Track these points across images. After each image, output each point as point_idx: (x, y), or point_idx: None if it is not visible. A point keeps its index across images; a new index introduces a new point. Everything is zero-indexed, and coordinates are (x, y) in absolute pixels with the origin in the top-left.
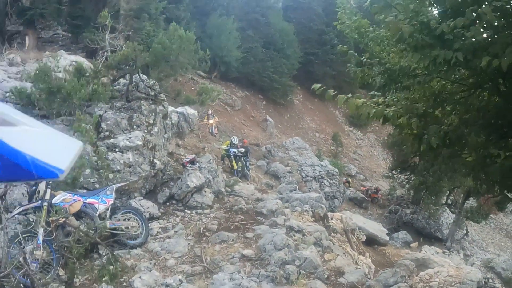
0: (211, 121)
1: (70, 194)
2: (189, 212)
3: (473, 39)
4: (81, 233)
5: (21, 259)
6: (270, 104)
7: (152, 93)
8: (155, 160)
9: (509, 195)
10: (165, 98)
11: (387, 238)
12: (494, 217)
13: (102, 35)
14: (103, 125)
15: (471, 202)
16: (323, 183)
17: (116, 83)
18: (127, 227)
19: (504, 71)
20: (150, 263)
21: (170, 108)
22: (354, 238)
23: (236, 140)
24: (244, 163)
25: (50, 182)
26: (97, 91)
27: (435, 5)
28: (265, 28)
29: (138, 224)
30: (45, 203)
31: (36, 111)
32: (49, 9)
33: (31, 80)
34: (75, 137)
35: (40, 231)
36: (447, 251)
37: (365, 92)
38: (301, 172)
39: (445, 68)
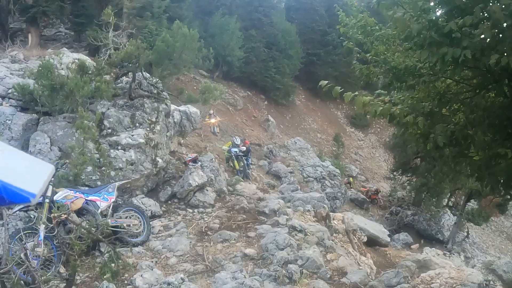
0: (213, 121)
1: (72, 191)
2: (191, 210)
3: (482, 37)
4: (83, 230)
5: (22, 255)
6: (272, 104)
7: (155, 91)
8: (157, 158)
9: None
10: (168, 97)
11: (388, 239)
12: (495, 219)
13: (105, 33)
14: (105, 122)
15: (473, 204)
16: (324, 184)
17: (119, 80)
18: (128, 225)
19: None
20: (152, 261)
21: (173, 107)
22: (355, 238)
23: (238, 141)
24: (246, 162)
25: (52, 179)
26: (100, 89)
27: (441, 5)
28: (268, 28)
29: (140, 222)
30: (47, 200)
31: (39, 107)
32: (52, 7)
33: (33, 76)
34: (77, 134)
35: (41, 228)
36: (448, 253)
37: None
38: (303, 172)
39: (452, 66)
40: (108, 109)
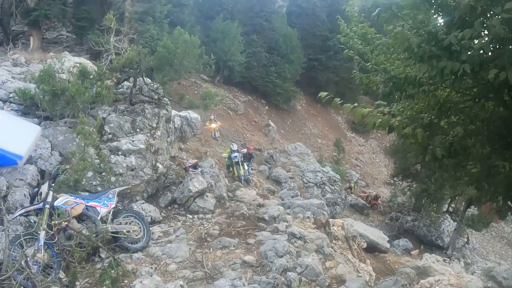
0: (213, 126)
1: (72, 197)
2: (190, 216)
3: (481, 51)
4: (83, 237)
5: (23, 262)
6: (273, 109)
7: (156, 97)
8: (158, 164)
9: None
10: (169, 102)
11: (388, 245)
12: (495, 225)
13: (106, 38)
14: (106, 128)
15: (473, 210)
16: (324, 189)
17: (120, 86)
18: (128, 231)
19: (511, 84)
20: (151, 268)
21: (174, 112)
22: (355, 245)
23: (235, 147)
24: (247, 168)
25: (53, 185)
26: (101, 94)
27: (442, 15)
28: (269, 33)
29: (140, 228)
30: (47, 206)
31: (40, 112)
32: (54, 10)
33: (35, 81)
34: (78, 139)
35: (42, 234)
36: (448, 259)
37: (368, 99)
38: (303, 177)
39: (452, 79)
40: (109, 114)
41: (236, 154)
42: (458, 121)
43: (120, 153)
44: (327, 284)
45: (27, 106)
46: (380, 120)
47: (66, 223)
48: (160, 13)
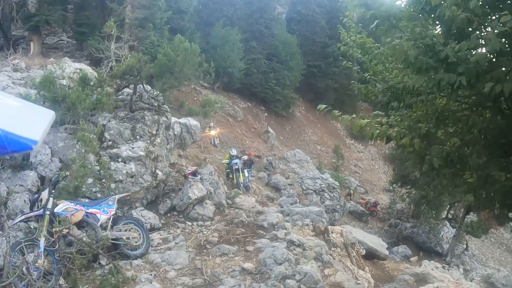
0: (213, 132)
1: (72, 204)
2: (190, 223)
3: (478, 64)
4: (84, 244)
5: (24, 269)
6: (272, 115)
7: (156, 104)
8: (157, 171)
9: (509, 215)
10: (168, 109)
11: (387, 252)
12: (494, 231)
13: (107, 44)
14: (106, 134)
15: (472, 217)
16: (323, 196)
17: (120, 92)
18: (128, 238)
19: (506, 96)
20: (151, 275)
21: (173, 119)
22: (354, 252)
23: (234, 152)
24: (247, 175)
25: (53, 191)
26: (101, 101)
27: (440, 26)
28: (269, 40)
29: (139, 234)
30: (47, 212)
31: None
32: (54, 16)
33: (35, 87)
34: (78, 146)
35: (42, 240)
36: (447, 266)
37: (367, 106)
38: (302, 184)
39: (449, 90)
40: (109, 121)
41: (236, 160)
42: (455, 130)
43: (120, 160)
44: None
45: None
46: (378, 131)
47: (66, 230)
48: (160, 20)
